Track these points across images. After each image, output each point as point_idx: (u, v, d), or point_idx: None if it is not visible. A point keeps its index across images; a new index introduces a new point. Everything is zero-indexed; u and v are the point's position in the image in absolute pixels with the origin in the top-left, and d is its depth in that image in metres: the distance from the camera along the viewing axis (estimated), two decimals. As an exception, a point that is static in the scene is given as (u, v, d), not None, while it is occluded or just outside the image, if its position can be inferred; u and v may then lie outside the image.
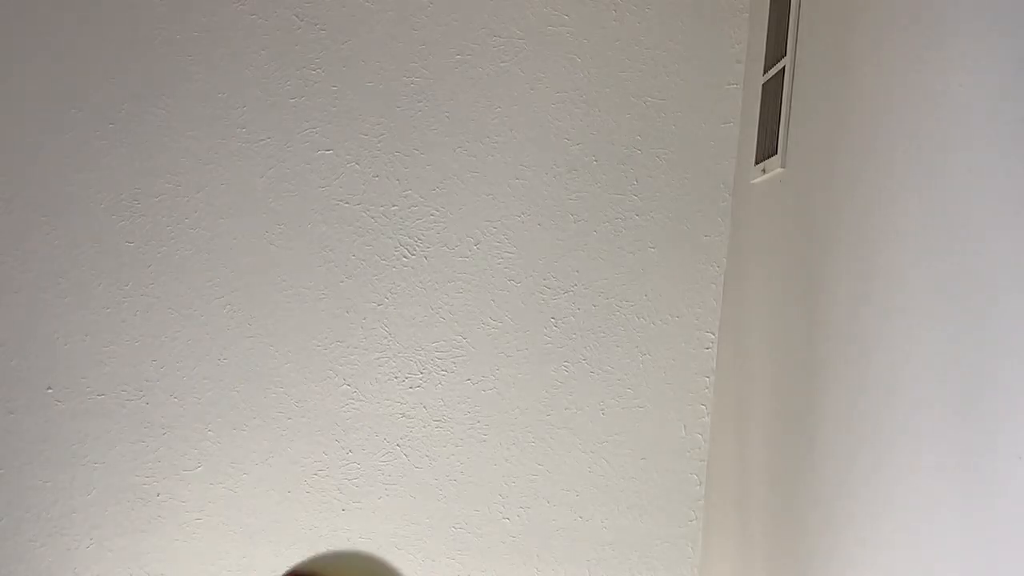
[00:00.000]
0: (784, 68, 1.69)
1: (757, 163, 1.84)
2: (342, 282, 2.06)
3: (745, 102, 2.04)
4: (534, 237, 2.08)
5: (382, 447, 2.08)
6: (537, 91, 2.06)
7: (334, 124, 2.05)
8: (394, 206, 2.06)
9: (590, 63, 2.06)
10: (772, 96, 1.77)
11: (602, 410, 2.09)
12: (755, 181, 1.86)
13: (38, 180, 2.02)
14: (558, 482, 2.09)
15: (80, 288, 2.03)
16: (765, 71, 1.84)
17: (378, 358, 2.07)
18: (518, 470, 2.09)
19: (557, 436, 2.09)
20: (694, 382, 2.09)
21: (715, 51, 2.07)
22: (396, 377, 2.07)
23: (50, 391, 2.04)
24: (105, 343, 2.04)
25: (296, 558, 2.06)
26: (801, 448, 1.45)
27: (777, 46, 1.76)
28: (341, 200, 2.06)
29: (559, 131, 2.07)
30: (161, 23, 2.03)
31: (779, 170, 1.69)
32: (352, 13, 2.05)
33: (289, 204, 2.05)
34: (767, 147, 1.78)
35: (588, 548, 2.10)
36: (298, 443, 2.06)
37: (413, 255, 2.07)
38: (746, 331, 1.89)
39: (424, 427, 2.08)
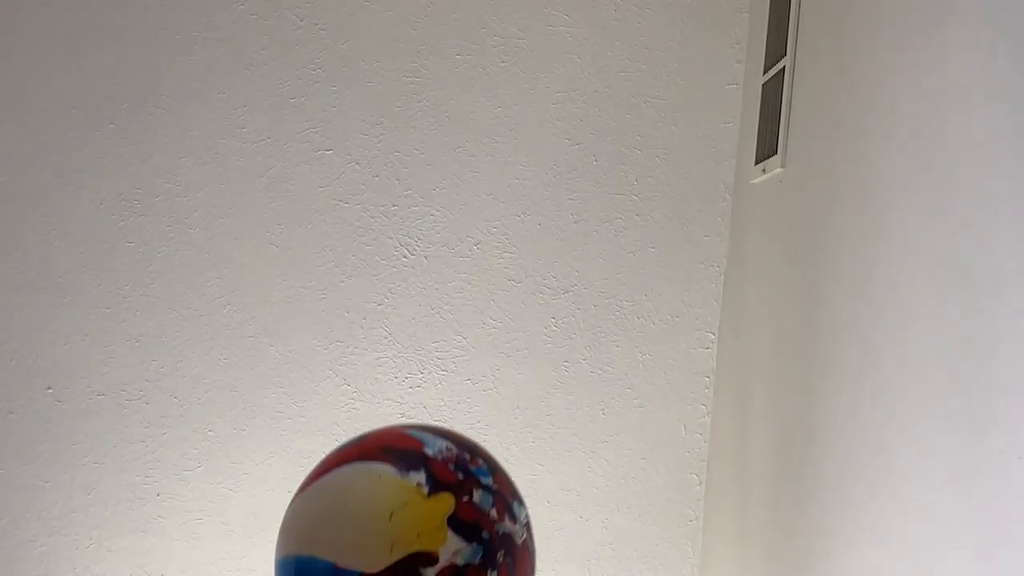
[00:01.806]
0: (784, 68, 1.69)
1: (757, 163, 1.84)
2: (342, 282, 2.06)
3: (745, 102, 2.04)
4: (534, 237, 2.08)
5: (382, 447, 2.07)
6: (537, 91, 2.06)
7: (334, 124, 2.05)
8: (394, 206, 2.06)
9: (590, 63, 2.06)
10: (772, 96, 1.77)
11: (602, 410, 2.09)
12: (755, 181, 1.86)
13: (38, 180, 2.02)
14: (558, 482, 2.09)
15: (80, 288, 2.03)
16: (765, 71, 1.84)
17: (378, 358, 2.07)
18: (518, 470, 2.09)
19: (557, 436, 2.09)
20: (694, 382, 2.09)
21: (715, 51, 2.07)
22: (396, 377, 2.07)
23: (50, 391, 2.04)
24: (105, 343, 2.04)
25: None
26: (801, 448, 1.46)
27: (777, 46, 1.76)
28: (341, 200, 2.06)
29: (559, 131, 2.07)
30: (161, 23, 2.03)
31: (779, 170, 1.69)
32: (352, 13, 2.05)
33: (289, 204, 2.05)
34: (767, 147, 1.78)
35: (588, 548, 2.10)
36: (298, 443, 2.06)
37: (413, 255, 2.07)
38: (746, 331, 1.89)
39: (424, 427, 2.08)
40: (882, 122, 1.24)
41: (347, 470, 1.18)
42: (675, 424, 2.10)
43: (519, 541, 1.19)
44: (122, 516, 2.05)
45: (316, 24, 2.04)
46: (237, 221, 2.05)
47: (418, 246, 2.07)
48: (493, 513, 1.14)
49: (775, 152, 1.71)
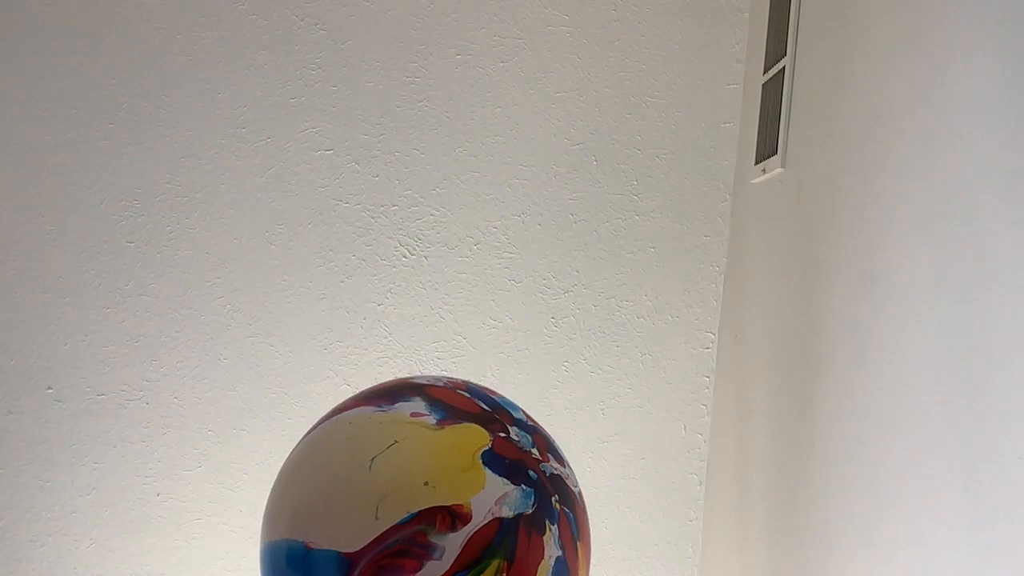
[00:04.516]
0: (784, 68, 1.69)
1: (757, 163, 1.84)
2: (342, 282, 2.06)
3: (745, 102, 2.04)
4: (534, 237, 2.08)
5: (382, 447, 2.07)
6: (537, 91, 2.06)
7: (334, 124, 2.05)
8: (394, 206, 2.06)
9: (590, 63, 2.06)
10: (772, 96, 1.77)
11: (602, 410, 2.09)
12: (755, 181, 1.86)
13: (38, 180, 2.02)
14: (558, 482, 2.09)
15: (80, 288, 2.03)
16: (765, 71, 1.84)
17: (378, 358, 2.07)
18: (518, 470, 2.09)
19: (557, 436, 2.09)
20: (694, 382, 2.09)
21: (715, 51, 2.07)
22: (396, 377, 2.07)
23: (50, 391, 2.04)
24: (105, 343, 2.04)
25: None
26: (801, 448, 1.45)
27: (777, 46, 1.76)
28: (341, 200, 2.06)
29: (559, 131, 2.07)
30: (161, 23, 2.03)
31: (779, 170, 1.69)
32: (352, 13, 2.05)
33: (289, 204, 2.05)
34: (767, 147, 1.78)
35: (588, 548, 2.10)
36: (298, 443, 2.06)
37: (413, 255, 2.07)
38: (746, 331, 1.89)
39: (424, 427, 2.08)
40: (882, 122, 1.24)
41: (316, 431, 0.90)
42: (675, 424, 2.10)
43: (575, 490, 0.86)
44: (122, 516, 2.05)
45: (316, 24, 2.04)
46: (237, 221, 2.05)
47: (418, 246, 2.07)
48: (535, 452, 0.81)
49: (775, 152, 1.71)
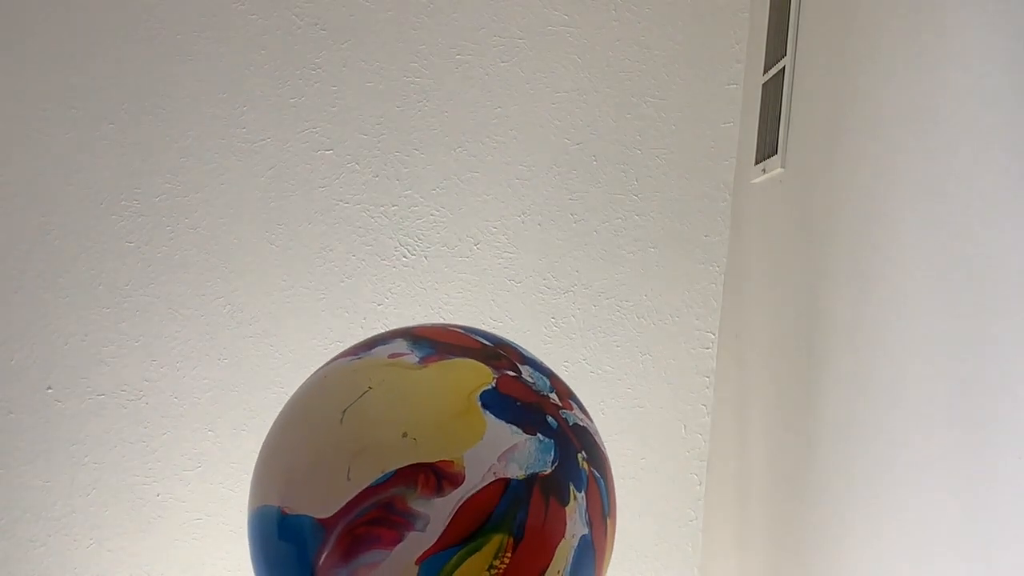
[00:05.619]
0: (784, 68, 1.69)
1: (757, 163, 1.84)
2: (342, 282, 2.06)
3: (745, 102, 2.04)
4: (534, 237, 2.08)
5: (382, 447, 2.07)
6: (537, 91, 2.06)
7: (334, 124, 2.05)
8: (394, 206, 2.06)
9: (590, 63, 2.06)
10: (772, 96, 1.77)
11: (602, 410, 2.09)
12: (755, 181, 1.86)
13: (38, 180, 2.02)
14: (558, 482, 2.09)
15: (80, 288, 2.03)
16: (765, 71, 1.84)
17: (378, 358, 2.07)
18: (518, 470, 2.09)
19: (557, 436, 2.09)
20: (694, 382, 2.09)
21: (715, 51, 2.07)
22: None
23: (50, 391, 2.04)
24: (105, 343, 2.04)
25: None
26: (801, 448, 1.46)
27: (777, 46, 1.76)
28: (341, 200, 2.06)
29: (559, 131, 2.07)
30: (161, 23, 2.03)
31: (779, 170, 1.69)
32: (352, 13, 2.05)
33: (289, 204, 2.05)
34: (767, 147, 1.78)
35: (588, 548, 2.10)
36: (298, 443, 2.06)
37: (413, 255, 2.07)
38: (746, 331, 1.89)
39: (424, 427, 2.07)
40: (882, 122, 1.24)
41: (294, 393, 0.78)
42: (675, 424, 2.10)
43: (603, 448, 0.69)
44: (122, 516, 2.05)
45: (316, 24, 2.04)
46: (237, 221, 2.05)
47: (418, 246, 2.07)
48: (554, 397, 0.66)
49: (775, 152, 1.71)
